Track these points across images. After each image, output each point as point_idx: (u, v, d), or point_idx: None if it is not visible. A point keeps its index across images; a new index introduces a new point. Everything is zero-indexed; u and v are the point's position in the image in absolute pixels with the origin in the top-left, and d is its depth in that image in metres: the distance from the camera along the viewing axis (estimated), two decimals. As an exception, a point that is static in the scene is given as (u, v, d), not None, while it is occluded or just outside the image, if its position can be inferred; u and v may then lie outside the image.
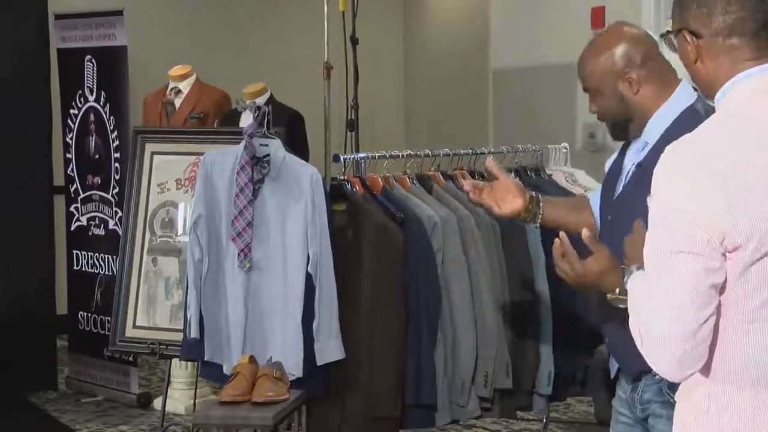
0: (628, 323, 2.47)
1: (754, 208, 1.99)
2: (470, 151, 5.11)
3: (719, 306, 2.04)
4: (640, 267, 2.22)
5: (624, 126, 2.95)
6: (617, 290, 2.62)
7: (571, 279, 2.69)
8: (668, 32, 2.30)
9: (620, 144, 3.07)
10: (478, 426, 5.83)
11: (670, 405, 2.61)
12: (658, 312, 2.03)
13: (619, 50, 2.91)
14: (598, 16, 7.29)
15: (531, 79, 8.10)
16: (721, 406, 2.08)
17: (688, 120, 2.72)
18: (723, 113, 2.14)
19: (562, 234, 2.73)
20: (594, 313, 2.75)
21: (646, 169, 2.76)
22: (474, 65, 8.75)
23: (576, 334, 4.67)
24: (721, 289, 2.04)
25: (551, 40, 7.77)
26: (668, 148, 2.09)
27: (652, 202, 2.09)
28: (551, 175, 5.26)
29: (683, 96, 2.88)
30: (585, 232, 2.63)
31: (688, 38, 2.19)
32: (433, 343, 4.51)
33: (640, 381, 2.86)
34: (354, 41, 6.53)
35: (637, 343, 2.10)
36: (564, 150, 5.46)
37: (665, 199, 2.05)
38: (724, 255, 2.01)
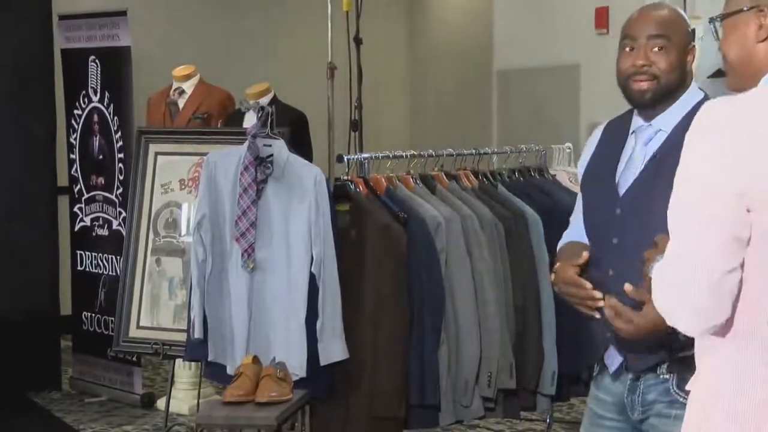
0: None
1: None
2: (474, 151, 5.10)
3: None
4: None
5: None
6: None
7: (634, 333, 2.60)
8: (727, 14, 2.24)
9: (594, 141, 3.04)
10: (482, 426, 5.83)
11: (679, 404, 2.58)
12: (680, 261, 2.03)
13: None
14: (601, 16, 7.29)
15: (535, 80, 8.10)
16: (731, 368, 2.06)
17: None
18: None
19: (610, 298, 2.62)
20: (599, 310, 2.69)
21: (662, 159, 2.76)
22: (478, 65, 8.75)
23: (580, 334, 4.65)
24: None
25: (555, 41, 7.77)
26: (703, 107, 2.09)
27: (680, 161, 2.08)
28: (555, 175, 5.26)
29: (695, 90, 2.91)
30: (628, 287, 2.53)
31: (765, 16, 2.17)
32: (437, 344, 4.51)
33: (639, 381, 2.80)
34: (358, 41, 6.52)
35: (659, 304, 2.08)
36: (568, 150, 5.46)
37: (693, 156, 2.05)
38: (748, 211, 2.01)
